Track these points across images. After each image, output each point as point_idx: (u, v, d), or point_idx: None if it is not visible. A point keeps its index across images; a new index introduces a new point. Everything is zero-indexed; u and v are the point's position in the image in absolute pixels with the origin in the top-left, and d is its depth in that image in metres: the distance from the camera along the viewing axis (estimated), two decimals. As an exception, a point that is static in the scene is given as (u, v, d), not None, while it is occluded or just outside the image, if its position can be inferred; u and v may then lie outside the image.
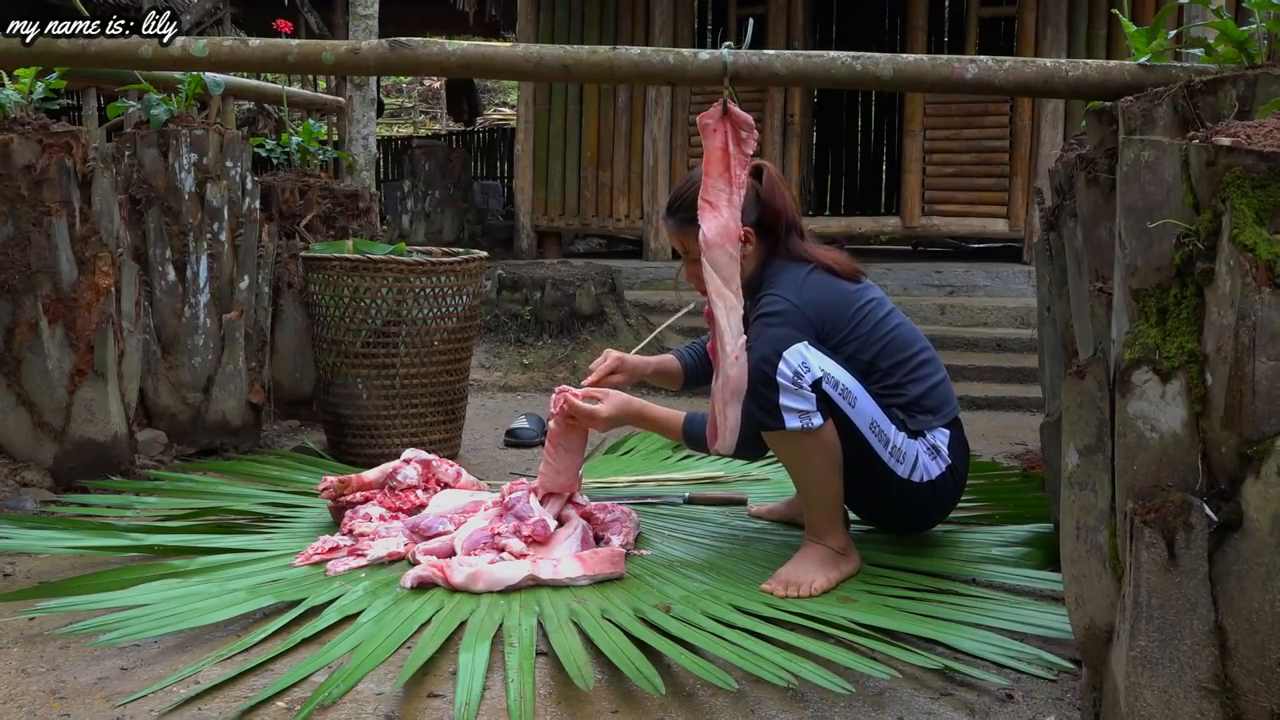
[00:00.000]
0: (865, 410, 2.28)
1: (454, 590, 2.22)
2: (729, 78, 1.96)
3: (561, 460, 2.56)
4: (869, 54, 1.95)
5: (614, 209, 7.57)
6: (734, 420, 2.21)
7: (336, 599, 2.18)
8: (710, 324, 2.25)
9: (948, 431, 2.40)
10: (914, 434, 2.35)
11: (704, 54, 1.96)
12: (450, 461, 2.95)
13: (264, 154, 4.40)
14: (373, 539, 2.51)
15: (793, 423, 2.21)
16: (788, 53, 2.03)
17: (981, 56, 1.87)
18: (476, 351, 4.85)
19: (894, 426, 2.32)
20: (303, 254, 3.65)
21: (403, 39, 1.93)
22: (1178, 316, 1.37)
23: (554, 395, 2.57)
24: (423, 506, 2.70)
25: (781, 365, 2.20)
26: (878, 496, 2.40)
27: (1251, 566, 1.28)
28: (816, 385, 2.21)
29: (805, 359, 2.21)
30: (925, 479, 2.35)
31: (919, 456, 2.34)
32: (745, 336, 2.22)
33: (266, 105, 8.08)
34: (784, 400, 2.20)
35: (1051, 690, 1.86)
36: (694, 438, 2.45)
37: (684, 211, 2.35)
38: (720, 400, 2.22)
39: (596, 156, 7.60)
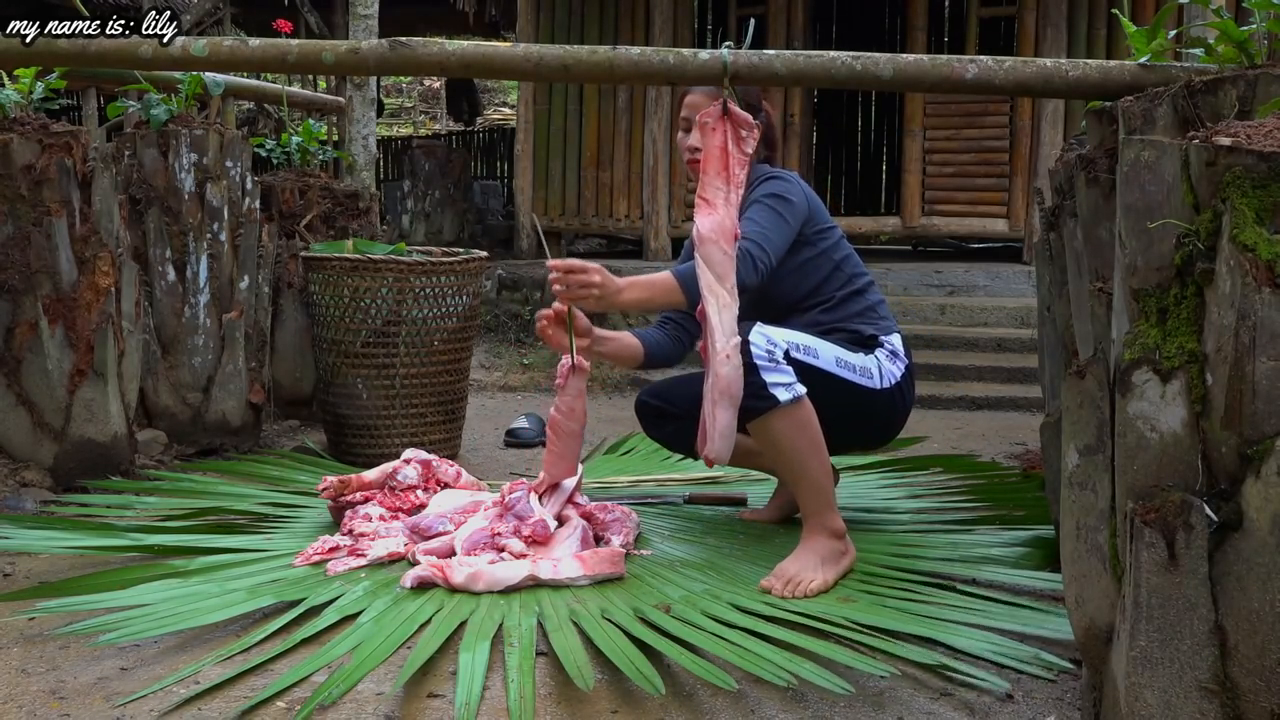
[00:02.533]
0: (828, 354, 2.41)
1: (454, 590, 2.22)
2: (729, 78, 1.96)
3: (563, 444, 2.53)
4: (869, 54, 1.95)
5: (614, 209, 7.57)
6: (724, 424, 2.20)
7: (336, 599, 2.18)
8: (702, 322, 2.23)
9: (897, 334, 2.60)
10: (870, 346, 2.52)
11: (704, 54, 1.96)
12: (450, 461, 2.95)
13: (264, 154, 4.40)
14: (373, 539, 2.51)
15: (784, 395, 2.27)
16: (788, 53, 2.03)
17: (981, 56, 1.87)
18: (476, 351, 4.85)
19: (851, 351, 2.46)
20: (303, 254, 3.65)
21: (403, 39, 1.93)
22: (1178, 316, 1.36)
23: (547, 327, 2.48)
24: (423, 506, 2.70)
25: (753, 348, 2.25)
26: (858, 418, 2.52)
27: (1251, 566, 1.28)
28: (788, 356, 2.29)
29: (767, 335, 2.29)
30: (894, 382, 2.52)
31: (881, 365, 2.51)
32: (737, 322, 2.22)
33: (266, 105, 8.08)
34: (768, 378, 2.25)
35: (1051, 690, 1.86)
36: (690, 282, 2.34)
37: None
38: (710, 401, 2.21)
39: (596, 156, 7.60)
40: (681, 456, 3.42)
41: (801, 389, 2.29)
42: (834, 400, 2.38)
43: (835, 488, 2.51)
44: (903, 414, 2.62)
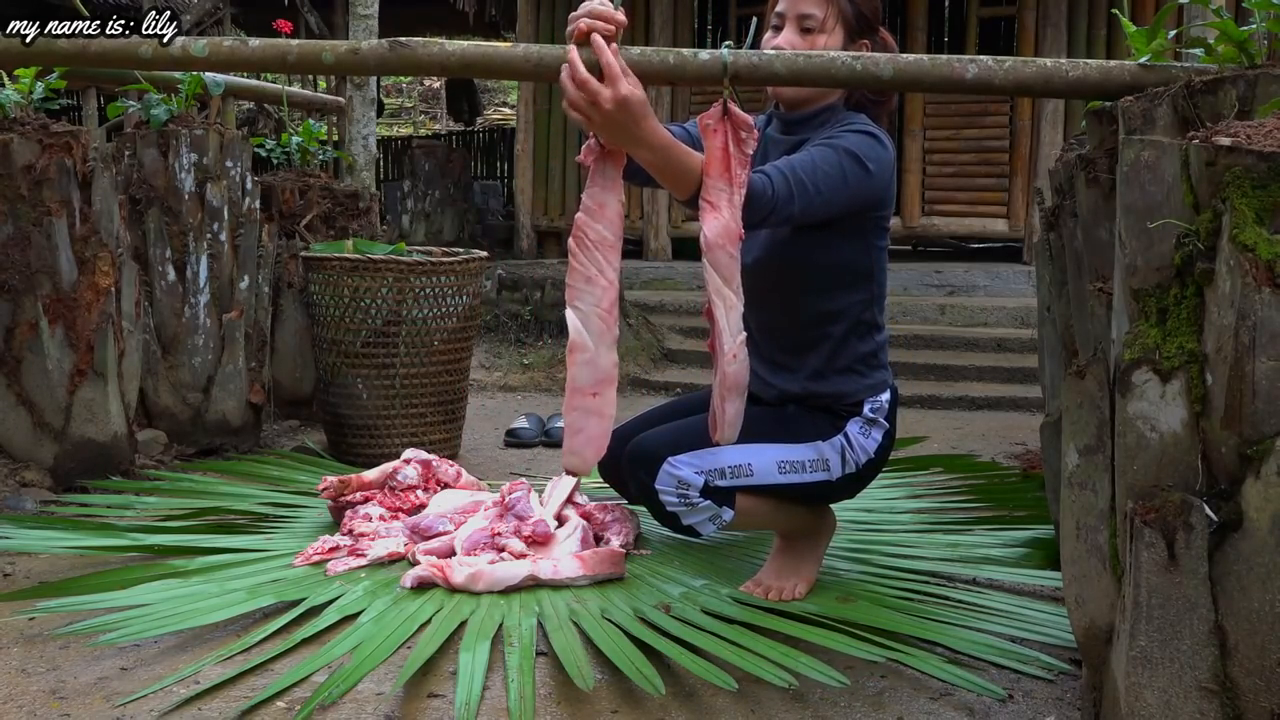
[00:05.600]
0: (766, 464, 2.20)
1: (454, 590, 2.22)
2: (729, 78, 1.96)
3: (589, 258, 1.97)
4: (869, 54, 1.95)
5: (614, 209, 7.56)
6: (732, 413, 2.21)
7: (336, 599, 2.18)
8: (709, 321, 2.24)
9: (889, 389, 2.30)
10: (845, 416, 2.26)
11: (704, 54, 1.95)
12: (450, 461, 2.95)
13: (264, 154, 4.40)
14: (373, 539, 2.51)
15: (709, 529, 2.18)
16: (788, 53, 2.02)
17: (981, 56, 1.86)
18: (476, 351, 4.85)
19: (807, 444, 2.23)
20: (303, 254, 3.65)
21: (403, 39, 1.92)
22: (1178, 316, 1.36)
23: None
24: (423, 506, 2.70)
25: (662, 495, 2.12)
26: (810, 500, 2.34)
27: (1251, 566, 1.28)
28: (707, 490, 2.14)
29: (679, 476, 2.12)
30: (858, 466, 2.26)
31: (847, 446, 2.25)
32: (743, 324, 2.18)
33: (266, 105, 8.07)
34: (688, 521, 2.15)
35: (1051, 690, 1.86)
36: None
37: None
38: (719, 397, 2.23)
39: (596, 156, 7.59)
40: None
41: (728, 514, 2.17)
42: (781, 496, 2.24)
43: None
44: (868, 481, 2.35)
